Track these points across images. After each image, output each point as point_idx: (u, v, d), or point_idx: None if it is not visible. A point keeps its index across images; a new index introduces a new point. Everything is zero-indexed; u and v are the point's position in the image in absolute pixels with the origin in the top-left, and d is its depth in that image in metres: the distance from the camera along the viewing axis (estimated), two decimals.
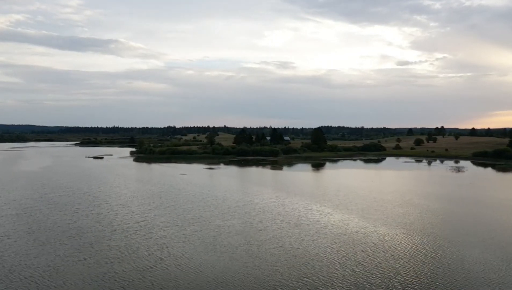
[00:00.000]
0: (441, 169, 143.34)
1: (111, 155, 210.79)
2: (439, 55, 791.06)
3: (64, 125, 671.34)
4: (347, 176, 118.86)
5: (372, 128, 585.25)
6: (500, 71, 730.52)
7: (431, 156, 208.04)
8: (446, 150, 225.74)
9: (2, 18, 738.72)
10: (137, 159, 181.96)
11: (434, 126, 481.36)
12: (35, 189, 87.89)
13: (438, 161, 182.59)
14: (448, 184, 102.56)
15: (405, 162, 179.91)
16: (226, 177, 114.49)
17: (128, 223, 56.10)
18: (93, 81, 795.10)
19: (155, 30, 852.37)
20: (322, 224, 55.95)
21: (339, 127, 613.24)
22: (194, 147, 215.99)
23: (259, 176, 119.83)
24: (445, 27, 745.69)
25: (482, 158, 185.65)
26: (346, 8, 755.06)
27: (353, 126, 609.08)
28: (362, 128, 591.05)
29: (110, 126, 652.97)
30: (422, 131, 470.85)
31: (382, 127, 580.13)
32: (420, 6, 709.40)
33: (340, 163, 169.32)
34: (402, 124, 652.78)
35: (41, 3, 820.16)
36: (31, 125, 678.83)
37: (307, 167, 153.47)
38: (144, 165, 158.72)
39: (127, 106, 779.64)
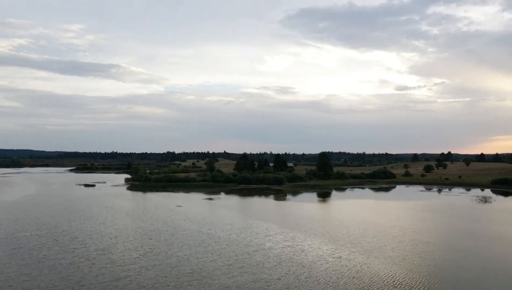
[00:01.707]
0: (466, 199, 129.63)
1: (104, 182, 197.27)
2: (437, 80, 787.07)
3: (63, 150, 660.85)
4: (367, 209, 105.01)
5: (374, 154, 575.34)
6: (498, 96, 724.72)
7: (446, 184, 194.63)
8: (460, 177, 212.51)
9: (4, 42, 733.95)
10: (131, 187, 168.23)
11: (435, 152, 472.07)
12: (3, 226, 74.13)
13: (454, 189, 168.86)
14: (489, 220, 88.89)
15: (421, 191, 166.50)
16: (229, 210, 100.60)
17: (104, 282, 42.17)
18: (94, 106, 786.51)
19: (156, 55, 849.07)
20: (364, 283, 41.99)
21: (340, 152, 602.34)
22: (192, 174, 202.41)
23: (266, 209, 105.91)
24: (443, 52, 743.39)
25: (502, 186, 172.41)
26: (345, 33, 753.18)
27: (354, 151, 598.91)
28: (364, 154, 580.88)
29: (109, 152, 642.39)
30: (425, 156, 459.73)
31: (384, 152, 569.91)
32: (418, 32, 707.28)
33: (351, 193, 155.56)
34: (403, 149, 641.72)
35: (44, 28, 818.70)
36: (30, 150, 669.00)
37: (317, 197, 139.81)
38: (138, 194, 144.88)
39: (127, 131, 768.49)
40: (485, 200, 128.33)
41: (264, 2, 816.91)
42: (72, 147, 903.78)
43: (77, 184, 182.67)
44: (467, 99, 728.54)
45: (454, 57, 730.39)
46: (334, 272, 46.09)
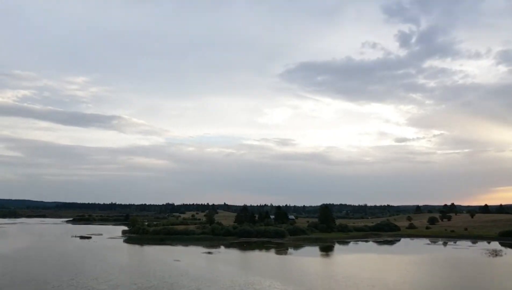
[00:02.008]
0: (475, 253, 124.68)
1: (101, 234, 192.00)
2: (436, 132, 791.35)
3: (61, 201, 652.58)
4: (374, 264, 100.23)
5: (375, 206, 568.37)
6: (497, 147, 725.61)
7: (452, 237, 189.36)
8: (466, 229, 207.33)
9: (9, 93, 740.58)
10: (128, 240, 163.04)
11: (436, 203, 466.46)
12: None
13: (461, 242, 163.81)
14: (504, 275, 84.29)
15: (427, 244, 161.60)
16: (229, 265, 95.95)
17: None
18: (95, 157, 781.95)
19: (157, 107, 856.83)
20: None
21: (341, 204, 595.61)
22: (192, 227, 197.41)
23: (268, 264, 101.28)
24: (440, 104, 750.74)
25: (511, 238, 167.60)
26: (344, 86, 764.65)
27: (355, 203, 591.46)
28: (365, 206, 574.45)
29: (108, 203, 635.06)
30: (427, 208, 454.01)
31: (386, 204, 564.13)
32: (415, 85, 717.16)
33: (356, 246, 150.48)
34: (404, 201, 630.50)
35: (49, 80, 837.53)
36: (28, 200, 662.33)
37: (320, 251, 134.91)
38: (135, 247, 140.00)
39: (126, 182, 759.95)
40: (495, 253, 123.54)
41: (263, 57, 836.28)
42: (71, 197, 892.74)
43: (72, 236, 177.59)
44: (467, 150, 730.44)
45: (451, 109, 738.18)
46: None
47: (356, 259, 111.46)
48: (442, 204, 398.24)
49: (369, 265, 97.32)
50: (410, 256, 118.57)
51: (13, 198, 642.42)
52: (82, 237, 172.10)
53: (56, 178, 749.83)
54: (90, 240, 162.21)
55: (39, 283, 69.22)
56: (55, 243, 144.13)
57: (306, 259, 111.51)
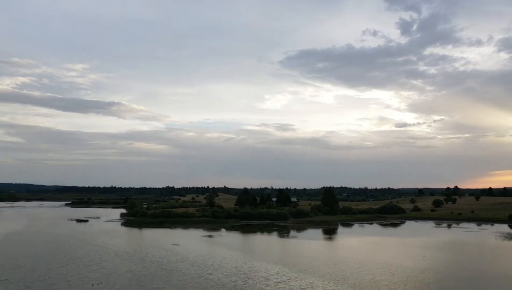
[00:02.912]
0: (488, 236, 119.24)
1: (99, 217, 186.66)
2: (436, 117, 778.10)
3: (62, 185, 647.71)
4: (386, 248, 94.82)
5: (376, 189, 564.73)
6: (497, 132, 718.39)
7: (459, 219, 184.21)
8: (472, 212, 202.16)
9: (8, 80, 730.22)
10: (126, 223, 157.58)
11: (437, 186, 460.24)
12: None
13: (470, 225, 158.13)
14: None
15: (435, 227, 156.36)
16: (231, 249, 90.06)
17: None
18: (94, 142, 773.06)
19: (157, 93, 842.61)
20: None
21: (341, 187, 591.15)
22: (191, 209, 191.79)
23: (273, 249, 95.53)
24: (441, 90, 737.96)
25: None
26: (344, 73, 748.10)
27: (355, 186, 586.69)
28: (366, 189, 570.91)
29: (108, 186, 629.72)
30: (429, 191, 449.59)
31: (387, 187, 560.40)
32: (416, 71, 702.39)
33: (362, 229, 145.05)
34: (405, 184, 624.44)
35: (48, 67, 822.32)
36: (28, 184, 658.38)
37: (326, 234, 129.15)
38: (133, 231, 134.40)
39: (126, 166, 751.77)
40: (510, 237, 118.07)
41: (264, 44, 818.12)
42: (71, 181, 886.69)
43: (68, 219, 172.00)
44: (467, 135, 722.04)
45: (452, 95, 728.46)
46: None
47: (364, 242, 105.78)
48: (443, 187, 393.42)
49: (381, 249, 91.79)
50: (422, 240, 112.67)
51: (14, 182, 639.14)
52: (78, 221, 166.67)
53: (56, 162, 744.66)
54: (86, 223, 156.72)
55: (26, 271, 63.38)
56: (49, 227, 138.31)
57: (313, 242, 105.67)
